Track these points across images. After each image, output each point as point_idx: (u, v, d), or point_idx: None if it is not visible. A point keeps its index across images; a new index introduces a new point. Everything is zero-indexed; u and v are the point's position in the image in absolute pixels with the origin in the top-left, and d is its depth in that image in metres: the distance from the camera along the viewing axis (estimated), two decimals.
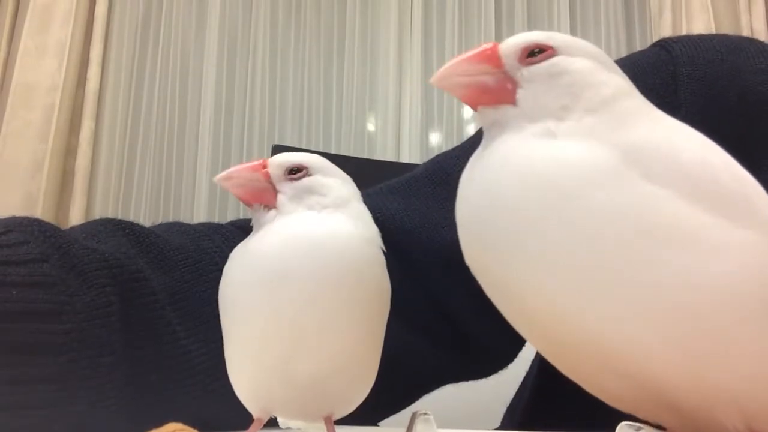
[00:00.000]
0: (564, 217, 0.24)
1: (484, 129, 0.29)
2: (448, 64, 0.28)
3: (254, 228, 0.33)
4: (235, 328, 0.32)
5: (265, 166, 0.33)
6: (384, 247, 0.33)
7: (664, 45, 0.48)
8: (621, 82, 0.28)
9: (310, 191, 0.33)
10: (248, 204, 0.33)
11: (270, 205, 0.33)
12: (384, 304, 0.33)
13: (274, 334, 0.30)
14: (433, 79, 0.28)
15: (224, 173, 0.33)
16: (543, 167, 0.25)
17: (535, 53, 0.28)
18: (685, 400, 0.24)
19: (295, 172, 0.33)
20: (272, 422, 0.36)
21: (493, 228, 0.26)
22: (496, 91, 0.28)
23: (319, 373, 0.31)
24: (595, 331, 0.24)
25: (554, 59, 0.28)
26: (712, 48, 0.46)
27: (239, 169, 0.33)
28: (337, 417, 0.33)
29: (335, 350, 0.31)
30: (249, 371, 0.32)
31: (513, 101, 0.28)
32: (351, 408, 0.34)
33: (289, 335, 0.30)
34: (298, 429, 0.36)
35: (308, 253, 0.30)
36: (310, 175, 0.33)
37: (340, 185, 0.34)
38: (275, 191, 0.33)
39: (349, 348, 0.31)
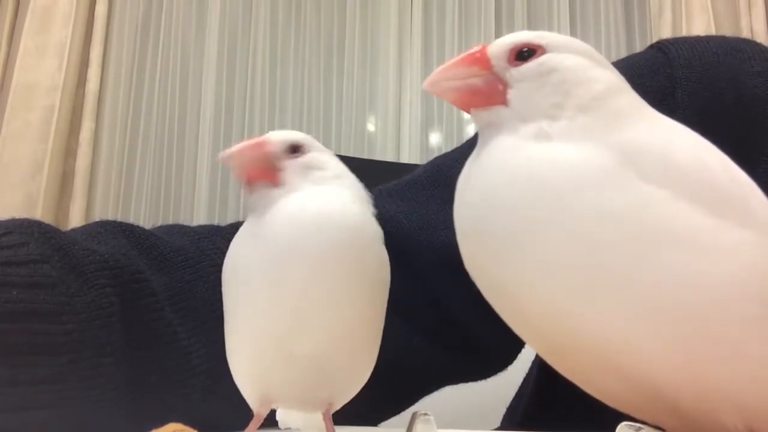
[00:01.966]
0: (561, 218, 0.24)
1: (478, 131, 0.29)
2: (438, 69, 0.28)
3: (255, 209, 0.32)
4: (237, 306, 0.32)
5: (264, 146, 0.33)
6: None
7: (661, 47, 0.48)
8: (613, 78, 0.28)
9: (312, 167, 0.33)
10: (250, 180, 0.32)
11: (274, 181, 0.32)
12: (384, 281, 0.33)
13: (276, 310, 0.30)
14: (424, 85, 0.28)
15: (226, 152, 0.32)
16: (539, 169, 0.25)
17: (524, 54, 0.28)
18: (684, 400, 0.24)
19: (295, 150, 0.33)
20: (272, 424, 0.36)
21: (490, 230, 0.26)
22: (487, 92, 0.28)
23: (319, 351, 0.31)
24: (593, 333, 0.24)
25: (543, 57, 0.28)
26: (709, 50, 0.46)
27: (241, 149, 0.32)
28: (336, 407, 0.33)
29: (337, 328, 0.31)
30: (249, 351, 0.32)
31: (504, 102, 0.28)
32: (349, 395, 0.34)
33: (291, 312, 0.30)
34: (297, 430, 0.36)
35: (316, 229, 0.30)
36: (308, 152, 0.33)
37: (333, 159, 0.34)
38: (277, 168, 0.32)
39: (351, 325, 0.31)
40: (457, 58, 0.29)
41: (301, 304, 0.30)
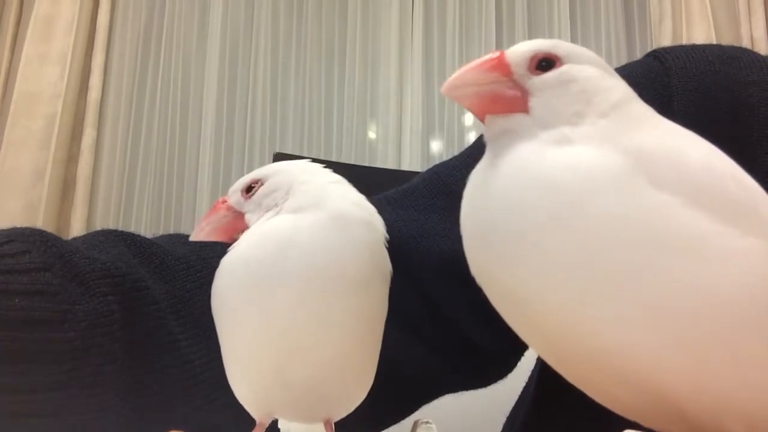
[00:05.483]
0: (572, 224, 0.24)
1: (489, 138, 0.28)
2: (457, 73, 0.28)
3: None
4: (227, 335, 0.32)
5: (224, 201, 0.35)
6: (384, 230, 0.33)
7: (657, 56, 0.48)
8: (626, 87, 0.29)
9: (266, 195, 0.33)
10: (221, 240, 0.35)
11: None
12: (379, 296, 0.32)
13: (264, 340, 0.30)
14: (443, 89, 0.28)
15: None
16: (552, 172, 0.25)
17: (543, 65, 0.28)
18: (691, 408, 0.24)
19: (250, 189, 0.34)
20: (275, 429, 0.36)
21: (502, 236, 0.26)
22: (508, 99, 0.28)
23: (314, 377, 0.30)
24: (603, 339, 0.24)
25: (563, 68, 0.28)
26: (705, 59, 0.46)
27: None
28: (336, 419, 0.33)
29: (329, 354, 0.30)
30: (245, 376, 0.32)
31: (526, 109, 0.28)
32: (350, 409, 0.34)
33: (280, 341, 0.30)
34: None
35: (290, 255, 0.29)
36: (263, 184, 0.34)
37: (304, 180, 0.33)
38: (241, 217, 0.34)
39: (344, 350, 0.31)
40: (475, 63, 0.28)
41: (287, 333, 0.29)
